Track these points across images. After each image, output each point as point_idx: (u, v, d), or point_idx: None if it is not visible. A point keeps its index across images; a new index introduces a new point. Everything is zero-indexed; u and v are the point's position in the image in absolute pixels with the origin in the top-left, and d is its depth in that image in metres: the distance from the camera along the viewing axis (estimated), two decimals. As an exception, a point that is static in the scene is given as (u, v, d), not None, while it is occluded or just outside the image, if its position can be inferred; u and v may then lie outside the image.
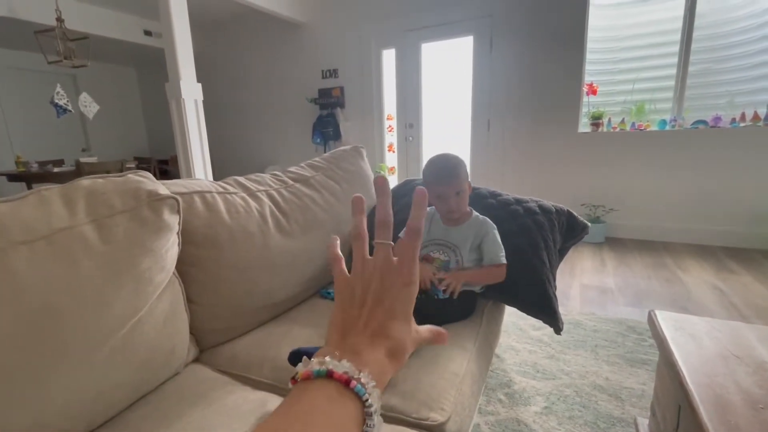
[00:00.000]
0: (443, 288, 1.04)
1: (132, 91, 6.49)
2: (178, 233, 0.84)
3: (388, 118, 4.28)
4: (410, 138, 4.05)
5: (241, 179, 1.16)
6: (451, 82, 3.82)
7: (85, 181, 0.74)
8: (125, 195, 0.74)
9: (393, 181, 4.30)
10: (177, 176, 5.09)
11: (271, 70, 4.73)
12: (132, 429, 0.70)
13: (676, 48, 2.99)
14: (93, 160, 3.67)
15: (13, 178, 3.59)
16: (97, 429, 0.70)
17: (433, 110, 3.95)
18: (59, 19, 3.67)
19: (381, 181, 0.33)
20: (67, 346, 0.62)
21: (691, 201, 3.02)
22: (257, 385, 0.86)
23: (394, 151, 4.29)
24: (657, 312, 1.03)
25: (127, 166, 3.84)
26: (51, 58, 3.84)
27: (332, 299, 1.21)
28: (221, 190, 1.04)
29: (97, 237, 0.68)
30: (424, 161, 4.05)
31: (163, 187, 0.80)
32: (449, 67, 3.82)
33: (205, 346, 0.99)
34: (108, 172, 3.74)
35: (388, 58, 4.09)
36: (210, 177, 3.33)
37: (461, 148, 3.83)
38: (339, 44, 4.20)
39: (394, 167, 4.32)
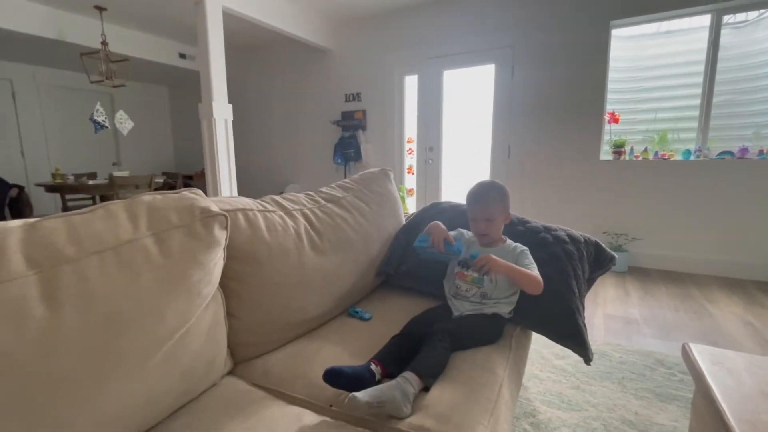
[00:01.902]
0: (478, 266, 1.07)
1: (162, 109, 6.80)
2: (224, 248, 0.88)
3: (408, 141, 4.36)
4: (430, 161, 4.11)
5: (278, 198, 1.22)
6: (472, 108, 3.90)
7: (146, 197, 0.79)
8: (181, 211, 0.80)
9: (411, 203, 4.34)
10: (203, 192, 5.25)
11: (296, 93, 4.91)
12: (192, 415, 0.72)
13: (700, 79, 3.00)
14: (125, 173, 3.84)
15: (50, 189, 3.76)
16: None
17: (454, 134, 4.02)
18: (104, 43, 3.93)
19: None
20: (124, 353, 0.66)
21: (718, 232, 2.95)
22: (291, 400, 0.88)
23: (413, 173, 4.35)
24: (692, 345, 1.01)
25: (156, 180, 3.99)
26: (93, 78, 4.10)
27: (360, 318, 1.23)
28: (261, 208, 1.09)
29: (157, 250, 0.73)
30: (444, 184, 4.10)
31: (214, 204, 0.85)
32: (470, 93, 3.90)
33: (239, 359, 1.01)
34: (137, 186, 3.90)
35: (411, 83, 4.20)
36: (235, 194, 3.43)
37: (481, 172, 3.86)
38: (363, 70, 4.35)
39: (413, 189, 4.37)
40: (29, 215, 3.98)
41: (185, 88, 6.45)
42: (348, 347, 1.04)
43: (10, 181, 3.98)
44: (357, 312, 1.26)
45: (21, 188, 3.85)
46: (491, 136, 3.76)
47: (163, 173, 5.10)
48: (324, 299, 1.17)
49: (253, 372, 0.97)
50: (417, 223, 1.57)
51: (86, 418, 0.62)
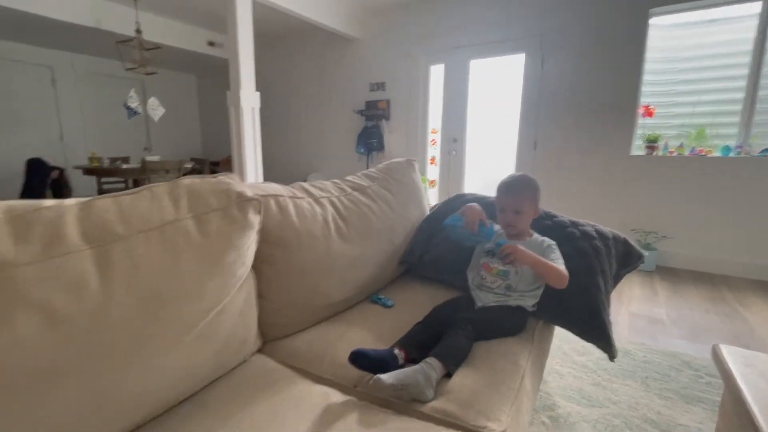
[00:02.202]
0: (503, 254, 1.06)
1: (191, 96, 6.97)
2: (257, 232, 0.92)
3: (432, 132, 4.33)
4: (453, 152, 4.07)
5: (306, 185, 1.24)
6: (499, 98, 3.82)
7: (186, 181, 0.83)
8: (219, 194, 0.83)
9: (433, 195, 4.32)
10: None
11: (321, 82, 4.93)
12: (212, 407, 0.77)
13: (745, 71, 2.83)
14: (156, 158, 3.98)
15: (87, 171, 3.95)
16: (183, 402, 0.78)
17: (479, 125, 3.96)
18: (138, 31, 4.05)
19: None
20: (166, 327, 0.70)
21: (755, 234, 2.82)
22: (318, 379, 0.91)
23: (435, 164, 4.32)
24: (722, 346, 0.98)
25: (185, 165, 4.12)
26: (127, 66, 4.23)
27: (382, 305, 1.26)
28: (291, 194, 1.12)
29: (197, 231, 0.76)
30: (467, 175, 4.06)
31: (248, 189, 0.89)
32: (498, 84, 3.82)
33: (268, 338, 1.06)
34: (167, 171, 4.04)
35: (436, 73, 4.15)
36: (260, 181, 3.50)
37: (506, 165, 3.80)
38: (389, 58, 4.32)
39: (434, 180, 4.35)
40: (68, 196, 4.19)
41: (213, 76, 6.58)
42: (372, 332, 1.07)
43: (51, 163, 4.20)
44: (380, 299, 1.28)
45: (61, 170, 4.05)
46: (518, 127, 3.69)
47: (192, 159, 5.25)
48: (348, 285, 1.20)
49: (281, 351, 1.02)
50: (441, 213, 1.57)
51: (133, 384, 0.67)
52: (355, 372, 0.89)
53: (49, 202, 0.68)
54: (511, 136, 3.75)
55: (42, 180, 3.86)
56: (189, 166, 4.25)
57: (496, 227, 1.26)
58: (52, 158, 5.10)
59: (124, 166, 3.94)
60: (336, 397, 0.82)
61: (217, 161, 5.78)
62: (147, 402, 0.71)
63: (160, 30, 4.61)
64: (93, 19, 4.16)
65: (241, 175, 3.39)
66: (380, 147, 4.45)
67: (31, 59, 5.16)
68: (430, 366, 0.85)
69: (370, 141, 4.48)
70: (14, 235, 0.60)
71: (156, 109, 4.41)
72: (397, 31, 4.21)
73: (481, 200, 1.51)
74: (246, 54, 3.26)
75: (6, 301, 0.54)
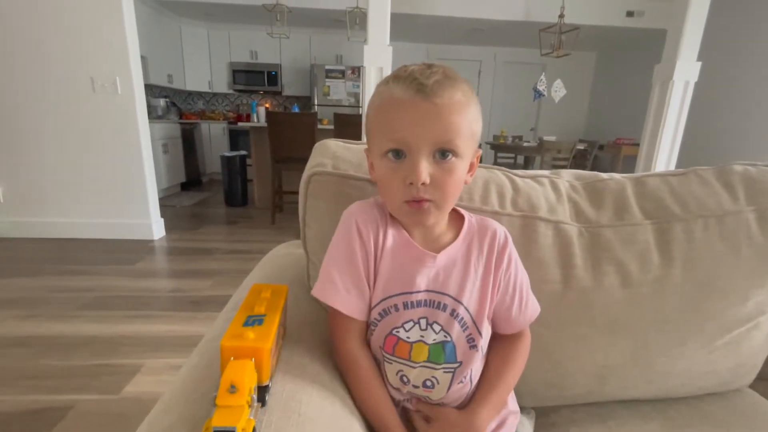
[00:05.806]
0: None
1: (586, 76, 6.80)
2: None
3: None
4: None
5: None
6: None
7: (737, 167, 0.72)
8: (787, 188, 0.67)
9: None
10: (605, 162, 4.99)
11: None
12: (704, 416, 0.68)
13: None
14: (552, 138, 4.21)
15: (493, 147, 4.77)
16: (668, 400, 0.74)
17: None
18: (561, 16, 4.26)
19: None
20: (705, 321, 0.65)
21: None
22: None
23: None
24: None
25: (577, 147, 4.12)
26: (543, 51, 4.61)
27: None
28: None
29: (758, 227, 0.65)
30: None
31: (831, 187, 0.67)
32: None
33: (763, 376, 0.83)
34: (559, 150, 4.19)
35: None
36: (672, 167, 2.95)
37: None
38: None
39: None
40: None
41: (617, 51, 6.08)
42: None
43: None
44: None
45: (479, 146, 5.11)
46: None
47: (581, 140, 5.20)
48: None
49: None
50: None
51: (657, 360, 0.68)
52: None
53: (604, 175, 0.76)
54: None
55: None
56: (581, 147, 4.23)
57: None
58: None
59: (525, 144, 4.45)
60: None
61: (602, 144, 5.43)
62: (652, 380, 0.70)
63: (579, 11, 4.66)
64: (523, 12, 4.77)
65: (648, 161, 2.98)
66: None
67: (465, 56, 6.67)
68: None
69: None
70: (590, 200, 0.71)
71: (559, 91, 4.61)
72: None
73: None
74: (695, 18, 2.68)
75: (600, 250, 0.64)
